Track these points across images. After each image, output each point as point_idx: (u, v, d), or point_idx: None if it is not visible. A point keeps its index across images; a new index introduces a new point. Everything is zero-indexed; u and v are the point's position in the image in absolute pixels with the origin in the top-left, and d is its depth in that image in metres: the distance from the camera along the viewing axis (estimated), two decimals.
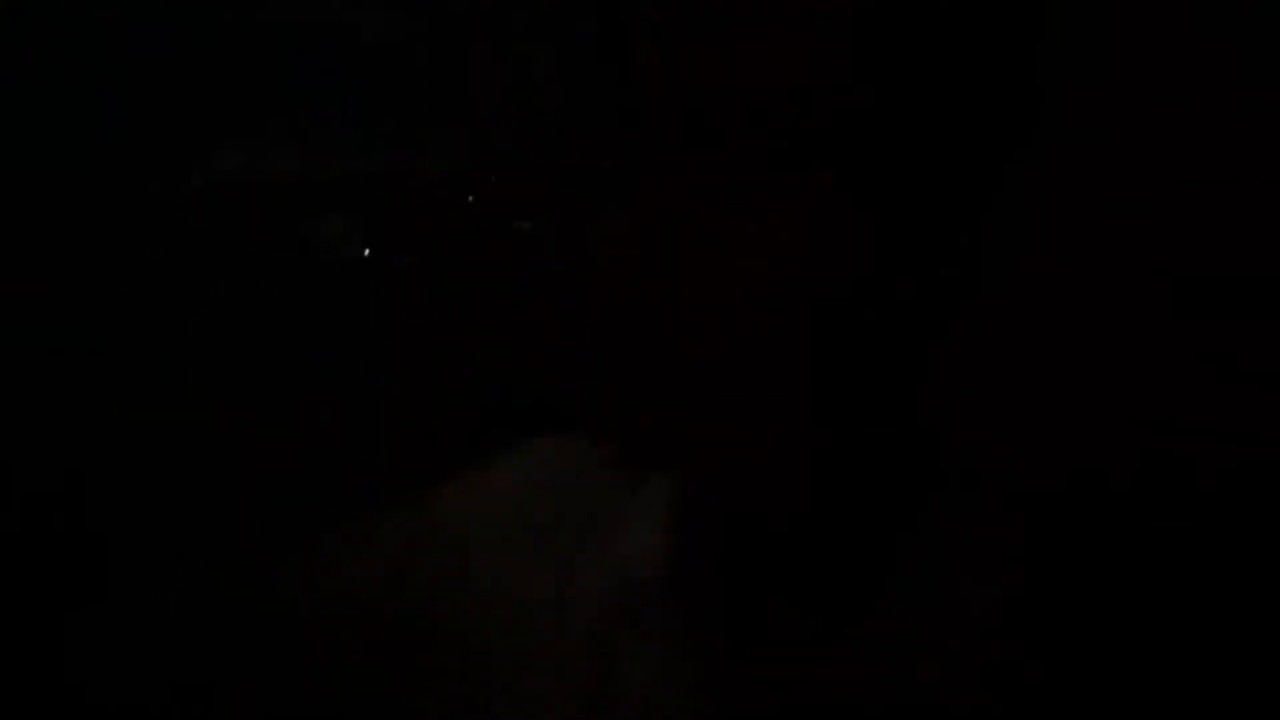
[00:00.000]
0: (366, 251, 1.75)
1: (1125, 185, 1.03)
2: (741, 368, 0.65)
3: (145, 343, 1.63)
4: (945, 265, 0.65)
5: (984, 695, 0.67)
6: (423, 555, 0.77)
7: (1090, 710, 0.66)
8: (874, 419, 0.68)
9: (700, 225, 0.64)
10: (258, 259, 1.71)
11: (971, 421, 0.73)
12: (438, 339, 1.69)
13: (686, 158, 0.65)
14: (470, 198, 1.77)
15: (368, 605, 0.76)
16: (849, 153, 0.62)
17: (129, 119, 1.66)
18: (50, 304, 1.61)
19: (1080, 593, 0.68)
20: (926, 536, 0.70)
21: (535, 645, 0.73)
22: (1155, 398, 0.96)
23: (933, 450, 0.72)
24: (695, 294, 0.65)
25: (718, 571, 0.72)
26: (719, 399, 0.66)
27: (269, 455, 1.57)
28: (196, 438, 1.60)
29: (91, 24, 1.65)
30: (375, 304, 1.72)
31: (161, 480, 1.56)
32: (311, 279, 1.72)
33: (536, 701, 0.72)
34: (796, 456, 0.69)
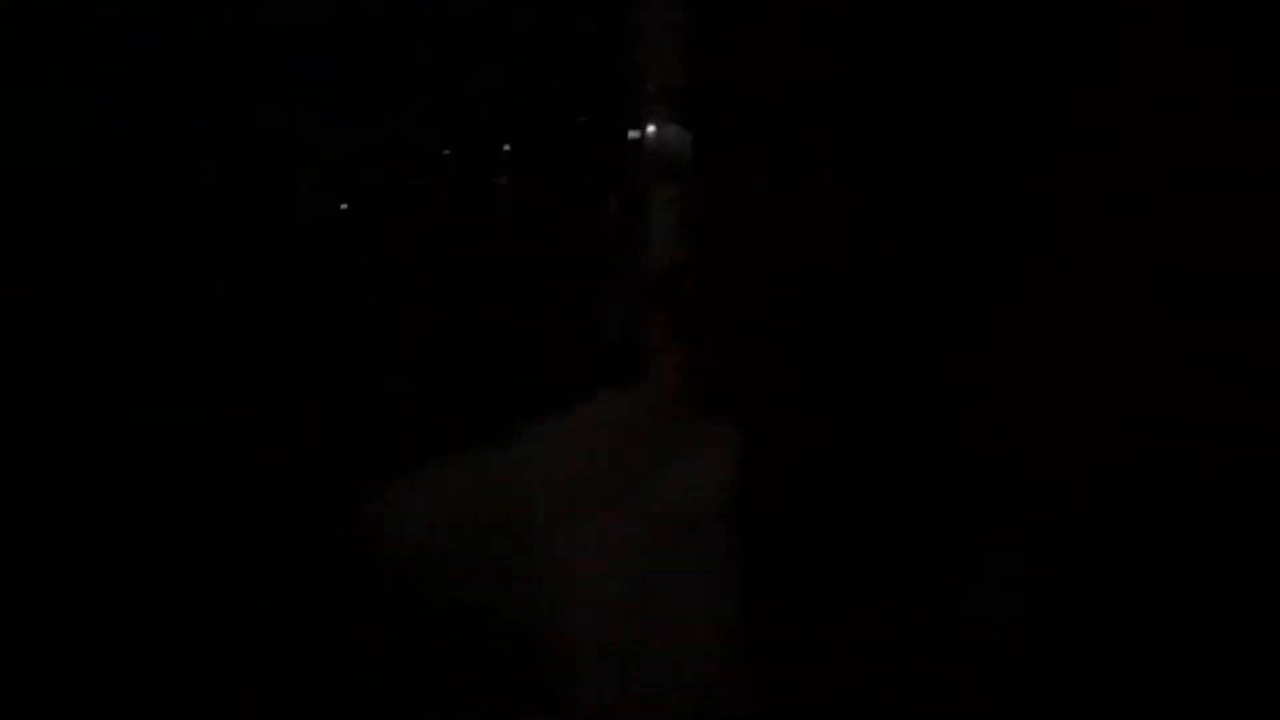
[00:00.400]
0: (368, 251, 1.75)
1: (1125, 185, 1.03)
2: (741, 367, 0.65)
3: (145, 342, 1.63)
4: (945, 265, 0.65)
5: (984, 694, 0.67)
6: (489, 490, 0.78)
7: (1090, 709, 0.66)
8: (874, 419, 0.68)
9: (700, 225, 0.65)
10: (260, 258, 1.71)
11: (971, 421, 0.73)
12: (438, 338, 1.69)
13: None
14: (471, 196, 1.77)
15: (437, 543, 0.77)
16: (849, 153, 0.62)
17: (129, 119, 1.66)
18: (50, 304, 1.61)
19: (1080, 592, 0.68)
20: (926, 536, 0.70)
21: (589, 566, 0.74)
22: (1155, 398, 0.96)
23: (933, 450, 0.72)
24: (695, 294, 0.65)
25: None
26: (720, 399, 0.66)
27: (269, 454, 1.57)
28: (196, 437, 1.60)
29: (92, 24, 1.65)
30: (376, 303, 1.72)
31: (162, 480, 1.56)
32: (312, 278, 1.72)
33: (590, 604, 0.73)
34: (797, 456, 0.69)
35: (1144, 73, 1.03)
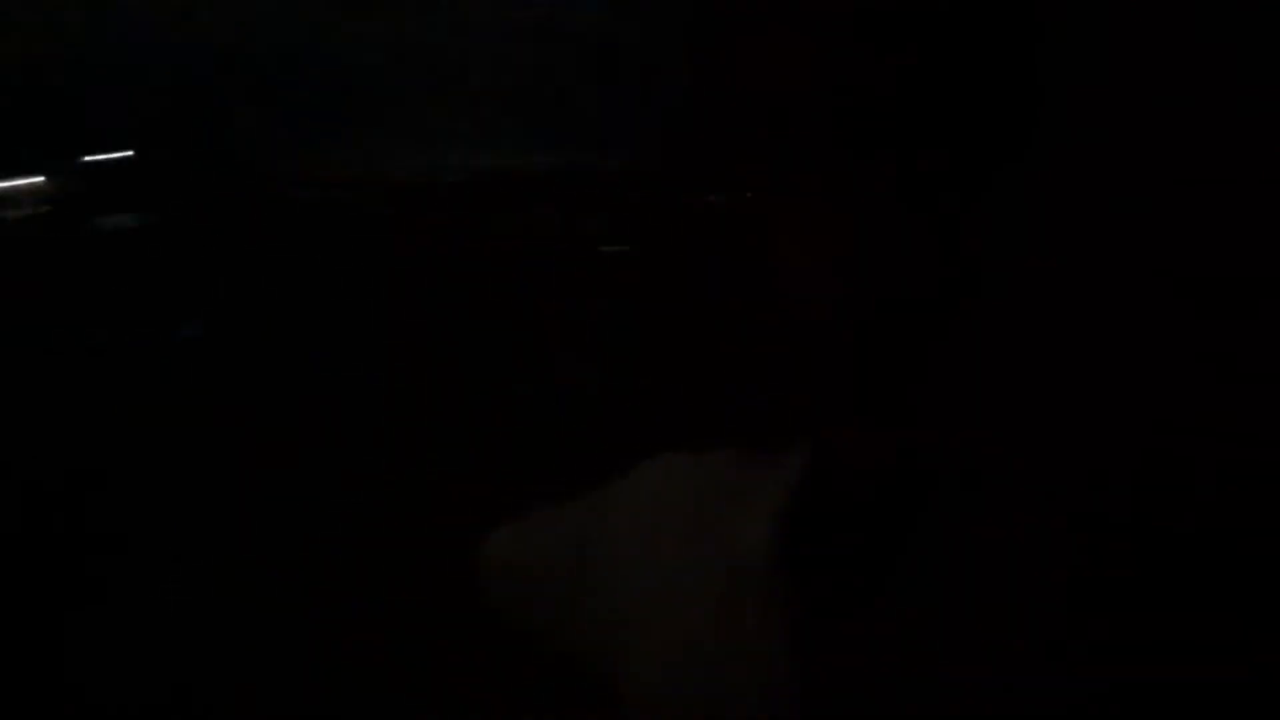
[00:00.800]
0: (369, 254, 1.75)
1: (1125, 185, 1.03)
2: (740, 368, 0.65)
3: (146, 343, 1.63)
4: (945, 265, 0.65)
5: (984, 694, 0.67)
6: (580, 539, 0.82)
7: (1091, 709, 0.66)
8: (874, 419, 0.68)
9: (703, 227, 0.65)
10: (259, 259, 1.71)
11: (971, 421, 0.73)
12: (440, 345, 1.69)
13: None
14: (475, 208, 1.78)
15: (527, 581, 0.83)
16: (848, 153, 0.62)
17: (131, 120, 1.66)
18: (50, 304, 1.62)
19: (1080, 592, 0.68)
20: (926, 536, 0.70)
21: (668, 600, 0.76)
22: (1155, 398, 0.96)
23: (933, 450, 0.72)
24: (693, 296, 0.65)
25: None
26: (720, 400, 0.66)
27: (270, 455, 1.57)
28: (199, 439, 1.60)
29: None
30: (376, 306, 1.72)
31: (162, 480, 1.56)
32: (311, 279, 1.73)
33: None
34: (798, 455, 0.69)
35: (1144, 73, 1.03)
